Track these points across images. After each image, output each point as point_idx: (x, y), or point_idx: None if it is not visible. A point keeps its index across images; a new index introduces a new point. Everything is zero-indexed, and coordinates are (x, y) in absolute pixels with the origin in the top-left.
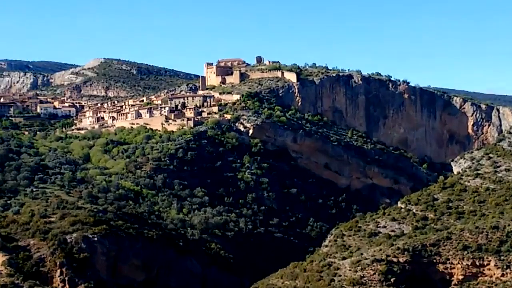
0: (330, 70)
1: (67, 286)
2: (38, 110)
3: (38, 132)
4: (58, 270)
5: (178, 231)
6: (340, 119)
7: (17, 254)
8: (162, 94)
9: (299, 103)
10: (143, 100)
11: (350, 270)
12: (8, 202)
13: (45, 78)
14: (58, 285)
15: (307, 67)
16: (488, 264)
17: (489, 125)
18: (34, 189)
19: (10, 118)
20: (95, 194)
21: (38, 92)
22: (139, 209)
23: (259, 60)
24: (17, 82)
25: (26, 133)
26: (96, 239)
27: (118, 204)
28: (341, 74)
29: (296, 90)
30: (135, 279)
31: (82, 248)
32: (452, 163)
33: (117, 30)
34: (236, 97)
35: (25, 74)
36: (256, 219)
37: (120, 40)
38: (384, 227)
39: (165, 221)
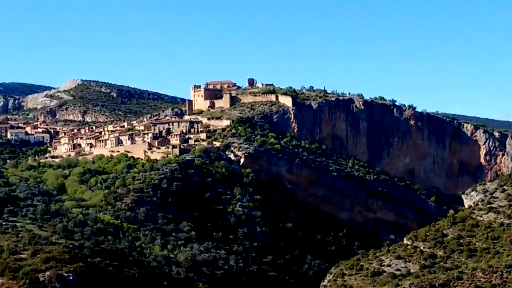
0: (329, 93)
1: None
2: (9, 136)
3: (8, 160)
4: None
5: (162, 269)
6: (340, 148)
7: None
8: (145, 119)
9: (295, 130)
10: (124, 126)
11: None
12: None
13: (16, 101)
14: None
15: (303, 90)
16: None
17: (503, 155)
18: (3, 223)
19: None
20: (71, 229)
21: (8, 117)
22: (119, 245)
23: (251, 82)
24: None
25: None
26: (71, 277)
27: (96, 239)
28: (341, 98)
29: (292, 116)
30: None
31: None
32: (463, 196)
33: (96, 49)
34: (226, 122)
35: None
36: (248, 256)
37: (98, 60)
38: (389, 265)
39: (147, 258)
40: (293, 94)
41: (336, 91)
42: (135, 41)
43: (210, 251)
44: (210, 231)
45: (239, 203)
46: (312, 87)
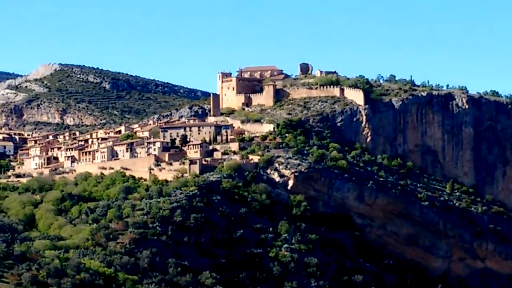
0: (418, 86)
1: None
2: None
3: None
4: None
5: None
6: (434, 165)
7: None
8: (151, 122)
9: (369, 139)
10: (120, 131)
11: None
12: None
13: None
14: None
15: (380, 81)
16: None
17: None
18: None
19: None
20: (43, 280)
21: None
22: None
23: (305, 69)
24: None
25: None
26: None
27: None
28: (435, 92)
29: (364, 118)
30: None
31: None
32: None
33: (80, 23)
34: (268, 127)
35: None
36: None
37: (84, 37)
38: None
39: None
40: (366, 86)
41: (428, 82)
42: (137, 11)
43: None
44: (243, 285)
45: (285, 245)
46: (394, 76)
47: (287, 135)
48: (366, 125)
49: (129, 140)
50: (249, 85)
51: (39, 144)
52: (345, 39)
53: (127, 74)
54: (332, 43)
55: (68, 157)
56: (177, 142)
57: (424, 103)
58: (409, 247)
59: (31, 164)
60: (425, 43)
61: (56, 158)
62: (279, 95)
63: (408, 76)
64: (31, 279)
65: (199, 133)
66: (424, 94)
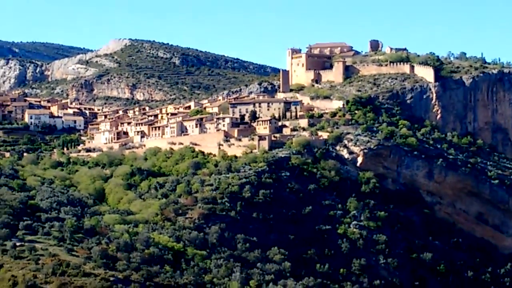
0: (489, 64)
1: None
2: (26, 119)
3: (25, 154)
4: None
5: None
6: (504, 143)
7: None
8: (220, 98)
9: (438, 116)
10: (189, 107)
11: None
12: None
13: (37, 69)
14: None
15: (451, 58)
16: None
17: None
18: (18, 243)
19: None
20: (112, 254)
21: (26, 91)
22: (181, 279)
23: (375, 46)
24: None
25: (7, 154)
26: None
27: (148, 270)
28: (506, 70)
29: (434, 95)
30: None
31: None
32: None
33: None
34: (337, 104)
35: (7, 63)
36: None
37: (154, 13)
38: None
39: None
40: (436, 63)
41: (499, 60)
42: None
43: None
44: (311, 262)
45: (354, 222)
46: (464, 53)
47: (356, 112)
48: (436, 103)
49: (198, 116)
50: (319, 62)
51: (109, 119)
52: (415, 16)
53: (196, 49)
54: (402, 19)
55: (138, 132)
56: (246, 118)
57: (495, 81)
58: (478, 225)
59: (101, 138)
60: (497, 20)
61: (125, 133)
62: (349, 72)
63: (479, 53)
64: (100, 253)
65: (268, 109)
66: (495, 71)
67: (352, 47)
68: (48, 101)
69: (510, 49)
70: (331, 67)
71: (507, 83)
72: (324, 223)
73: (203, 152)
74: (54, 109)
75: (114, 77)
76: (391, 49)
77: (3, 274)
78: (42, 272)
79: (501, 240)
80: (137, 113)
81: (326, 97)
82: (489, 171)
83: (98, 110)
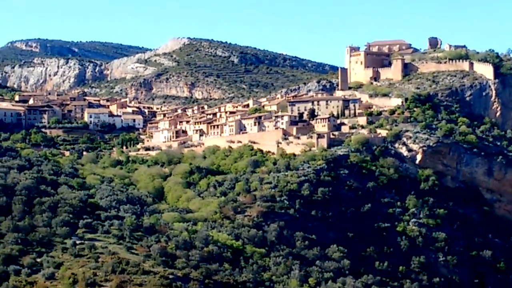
0: None
1: None
2: (86, 119)
3: (84, 153)
4: None
5: None
6: None
7: None
8: (279, 96)
9: (498, 113)
10: (248, 105)
11: None
12: (38, 260)
13: (97, 69)
14: None
15: (511, 54)
16: None
17: None
18: (78, 241)
19: (43, 129)
20: (171, 252)
21: (86, 90)
22: (240, 277)
23: (434, 43)
24: (55, 74)
25: (67, 153)
26: None
27: (207, 268)
28: None
29: (494, 92)
30: None
31: None
32: None
33: None
34: (396, 101)
35: (67, 62)
36: None
37: (213, 12)
38: None
39: None
40: (496, 60)
41: None
42: None
43: None
44: (370, 259)
45: (413, 220)
46: None
47: (415, 109)
48: (496, 100)
49: (257, 114)
50: (377, 59)
51: (167, 117)
52: (474, 13)
53: (255, 48)
54: (461, 16)
55: (197, 130)
56: (305, 116)
57: None
58: None
59: (160, 137)
60: None
61: (184, 132)
62: (408, 69)
63: None
64: (160, 251)
65: (326, 107)
66: None
67: (410, 44)
68: (107, 100)
69: None
70: (389, 64)
71: None
72: (383, 221)
73: (261, 150)
74: (113, 108)
75: (173, 76)
76: (450, 46)
77: (63, 272)
78: (102, 270)
79: None
80: (195, 111)
81: (385, 95)
82: None
83: (157, 108)
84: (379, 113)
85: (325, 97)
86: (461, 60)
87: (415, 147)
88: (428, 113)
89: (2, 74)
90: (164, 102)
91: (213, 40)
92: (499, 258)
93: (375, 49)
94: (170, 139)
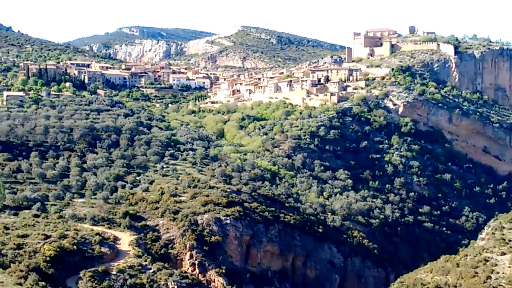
0: (493, 43)
1: (197, 270)
2: (171, 81)
3: (170, 105)
4: (188, 253)
5: (317, 217)
6: (503, 98)
7: (145, 234)
8: (304, 66)
9: (456, 79)
10: (282, 73)
11: (509, 267)
12: (137, 178)
13: (178, 47)
14: (188, 268)
15: (466, 39)
16: None
17: None
18: (165, 166)
19: (141, 89)
20: (229, 173)
21: (170, 62)
22: (276, 191)
23: (412, 30)
24: (149, 50)
25: (157, 105)
26: (228, 221)
27: (253, 184)
28: (505, 47)
29: (453, 65)
30: (269, 267)
31: (214, 231)
32: None
33: None
34: (385, 71)
35: (157, 42)
36: (404, 207)
37: (259, 6)
38: None
39: (303, 205)
40: (455, 43)
41: (500, 40)
42: None
43: (366, 200)
44: (366, 180)
45: (396, 152)
46: (475, 35)
47: (399, 76)
48: (455, 70)
49: (289, 78)
50: (373, 41)
51: (227, 81)
52: (441, 9)
53: (288, 32)
54: (432, 12)
55: (247, 90)
56: (322, 80)
57: (497, 54)
58: (483, 155)
59: (222, 94)
60: (501, 8)
61: (238, 91)
62: (394, 48)
63: (486, 35)
64: (221, 172)
65: (337, 74)
66: (497, 48)
67: (396, 31)
68: (185, 69)
69: (509, 31)
70: (381, 45)
71: (506, 56)
72: (375, 153)
73: (292, 104)
74: (189, 74)
75: (231, 52)
76: (423, 32)
77: (155, 186)
78: (181, 185)
79: (500, 166)
80: (246, 77)
81: (378, 66)
82: (492, 117)
83: (220, 75)
84: (374, 79)
85: (336, 67)
86: (431, 42)
87: (398, 102)
88: (408, 79)
89: (113, 50)
90: (224, 70)
91: (258, 27)
92: (456, 180)
93: (371, 34)
94: (229, 96)
